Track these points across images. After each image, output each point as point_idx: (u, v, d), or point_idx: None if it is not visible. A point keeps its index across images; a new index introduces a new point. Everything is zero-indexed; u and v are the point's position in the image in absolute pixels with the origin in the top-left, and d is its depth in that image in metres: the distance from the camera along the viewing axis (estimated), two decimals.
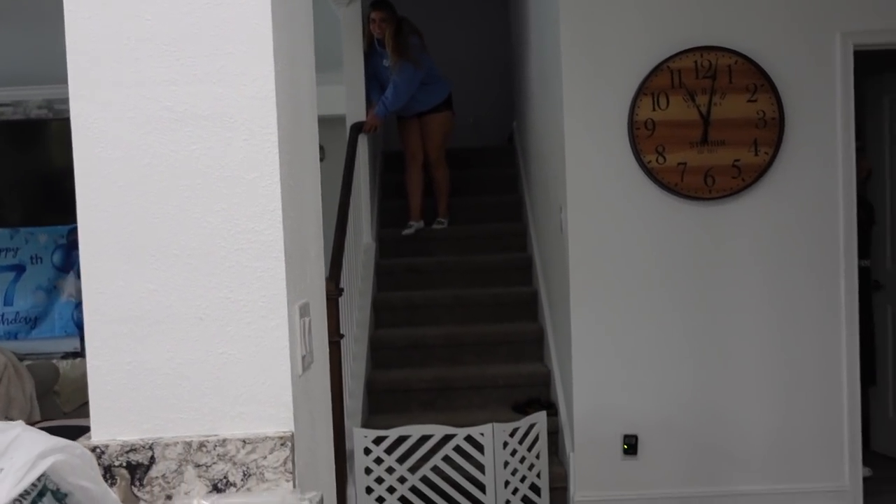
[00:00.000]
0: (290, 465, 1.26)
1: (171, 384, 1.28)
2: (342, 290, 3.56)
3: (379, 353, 4.41)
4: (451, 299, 4.66)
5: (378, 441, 3.40)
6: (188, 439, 1.26)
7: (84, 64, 1.27)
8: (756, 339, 3.58)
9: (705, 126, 3.50)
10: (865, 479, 3.74)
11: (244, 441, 1.26)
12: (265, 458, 1.26)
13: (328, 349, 1.68)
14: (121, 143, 1.27)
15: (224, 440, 1.26)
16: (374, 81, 4.94)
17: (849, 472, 3.60)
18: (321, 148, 7.38)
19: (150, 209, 1.28)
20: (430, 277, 4.86)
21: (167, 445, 1.25)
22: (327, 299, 3.38)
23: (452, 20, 6.94)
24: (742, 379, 3.59)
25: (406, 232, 5.05)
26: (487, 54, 6.85)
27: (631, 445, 3.57)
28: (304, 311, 1.41)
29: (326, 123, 7.20)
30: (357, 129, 4.77)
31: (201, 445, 1.26)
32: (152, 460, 1.25)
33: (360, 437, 3.40)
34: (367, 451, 3.39)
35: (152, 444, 1.25)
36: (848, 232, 3.55)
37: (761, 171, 3.52)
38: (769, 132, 3.51)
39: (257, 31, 1.29)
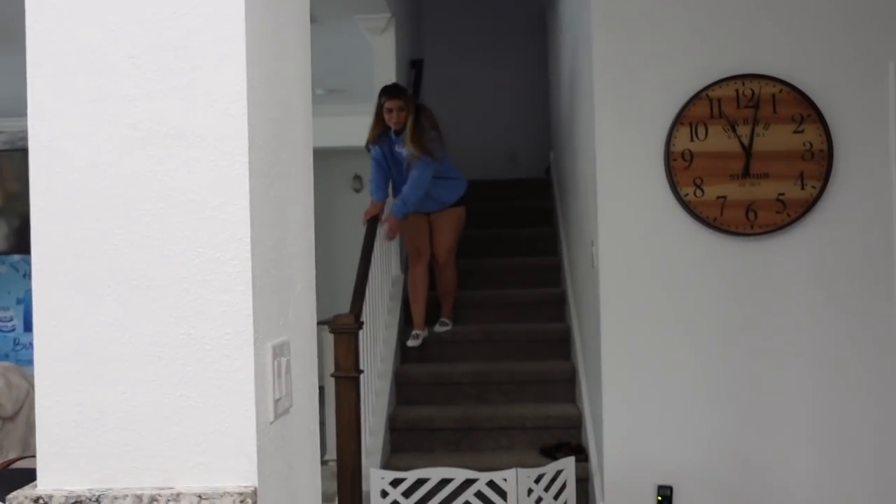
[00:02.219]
0: None
1: (124, 429, 1.16)
2: (362, 323, 3.44)
3: (404, 389, 4.26)
4: (481, 334, 4.50)
5: (395, 483, 3.24)
6: (139, 492, 1.13)
7: (42, 78, 1.17)
8: (803, 385, 3.33)
9: (747, 158, 3.31)
10: None
11: (200, 496, 1.13)
12: None
13: (317, 391, 1.54)
14: (78, 163, 1.17)
15: (178, 494, 1.13)
16: (379, 170, 4.56)
17: None
18: (357, 178, 7.26)
19: (109, 236, 1.17)
20: (461, 311, 4.71)
21: (115, 498, 1.13)
22: (346, 333, 3.29)
23: (492, 53, 6.87)
24: (788, 430, 3.34)
25: (411, 343, 4.48)
26: (526, 85, 6.75)
27: (665, 497, 3.34)
28: (281, 350, 1.28)
29: (363, 153, 7.16)
30: None
31: (153, 500, 1.13)
32: None
33: (376, 479, 3.25)
34: (384, 494, 3.24)
35: (100, 496, 1.13)
36: None
37: (808, 206, 3.31)
38: (817, 165, 3.31)
39: (229, 44, 1.17)
